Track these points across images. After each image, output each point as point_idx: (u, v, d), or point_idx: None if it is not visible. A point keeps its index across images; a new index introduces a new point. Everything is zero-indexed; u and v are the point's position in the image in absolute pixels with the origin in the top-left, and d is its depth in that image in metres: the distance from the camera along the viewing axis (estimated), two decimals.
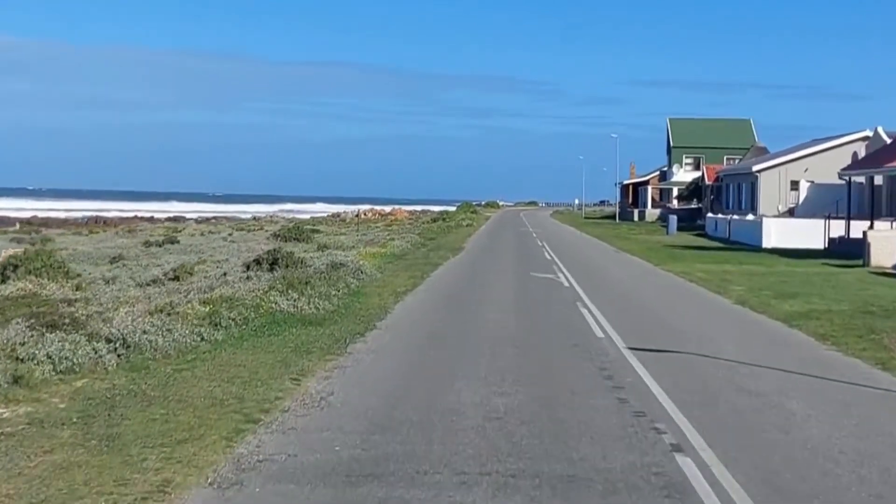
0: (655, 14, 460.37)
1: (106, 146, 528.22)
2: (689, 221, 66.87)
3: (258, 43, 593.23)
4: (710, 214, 61.18)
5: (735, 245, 47.26)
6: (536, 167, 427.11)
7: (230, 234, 52.64)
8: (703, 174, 73.91)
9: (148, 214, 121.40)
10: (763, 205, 58.71)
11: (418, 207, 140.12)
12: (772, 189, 58.93)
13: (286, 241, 44.59)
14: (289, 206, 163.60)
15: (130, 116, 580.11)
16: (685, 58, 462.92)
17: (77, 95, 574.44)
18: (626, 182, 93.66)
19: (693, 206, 77.50)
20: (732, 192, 65.99)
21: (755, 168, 59.13)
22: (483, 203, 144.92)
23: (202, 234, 56.86)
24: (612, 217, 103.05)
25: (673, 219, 58.26)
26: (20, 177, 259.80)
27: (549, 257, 35.58)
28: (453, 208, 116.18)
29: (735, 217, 53.83)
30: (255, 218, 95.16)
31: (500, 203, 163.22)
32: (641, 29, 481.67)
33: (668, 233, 57.65)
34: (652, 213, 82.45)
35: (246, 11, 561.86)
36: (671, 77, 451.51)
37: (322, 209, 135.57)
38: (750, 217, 54.04)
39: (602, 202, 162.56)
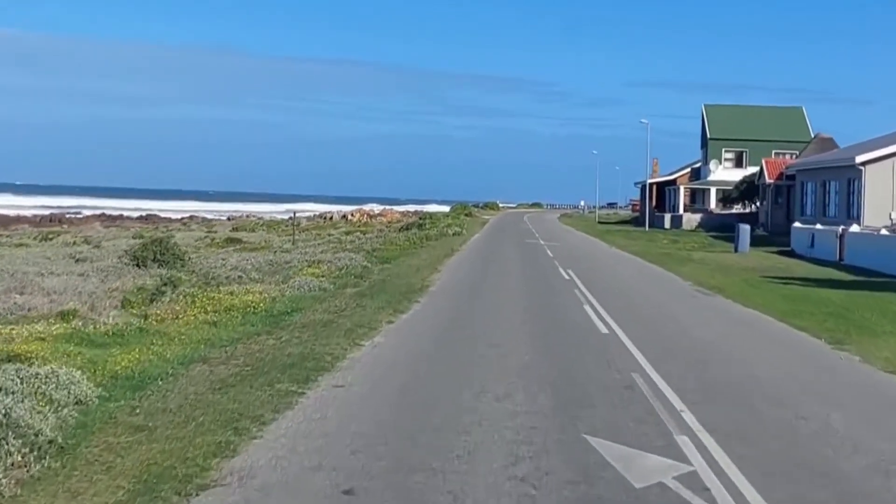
0: (660, 16, 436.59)
1: (110, 142, 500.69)
2: None
3: (265, 39, 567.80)
4: (797, 224, 41.33)
5: (869, 274, 27.59)
6: (540, 168, 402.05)
7: (96, 247, 32.88)
8: (762, 170, 53.70)
9: (117, 213, 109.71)
10: (868, 211, 39.05)
11: (412, 208, 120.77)
12: (882, 189, 39.16)
13: (140, 263, 25.11)
14: (290, 205, 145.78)
15: (136, 112, 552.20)
16: (691, 60, 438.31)
17: (81, 90, 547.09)
18: (648, 181, 73.23)
19: (746, 212, 57.31)
20: (812, 193, 46.08)
21: (859, 159, 39.30)
22: (481, 204, 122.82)
23: (76, 243, 37.11)
24: (629, 222, 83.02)
25: (745, 230, 38.21)
26: (14, 172, 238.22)
27: (604, 328, 14.96)
28: (447, 208, 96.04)
29: (854, 230, 33.89)
30: (204, 219, 75.87)
31: (500, 204, 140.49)
32: (645, 30, 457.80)
33: (736, 250, 37.77)
34: (691, 219, 62.02)
35: (253, 7, 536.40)
36: (679, 78, 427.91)
37: (331, 209, 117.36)
38: (867, 229, 34.31)
39: (611, 204, 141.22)
